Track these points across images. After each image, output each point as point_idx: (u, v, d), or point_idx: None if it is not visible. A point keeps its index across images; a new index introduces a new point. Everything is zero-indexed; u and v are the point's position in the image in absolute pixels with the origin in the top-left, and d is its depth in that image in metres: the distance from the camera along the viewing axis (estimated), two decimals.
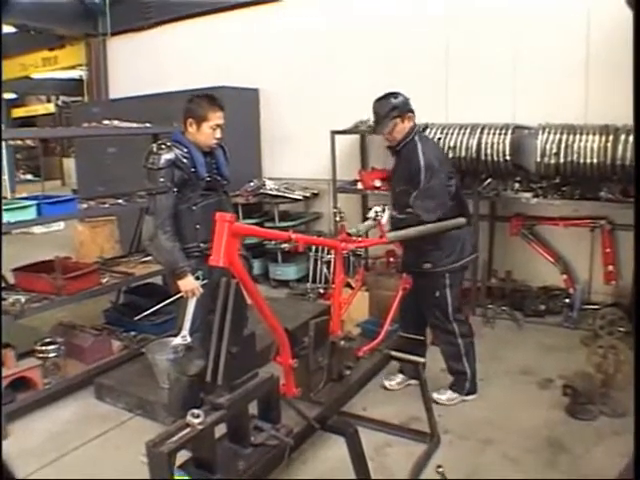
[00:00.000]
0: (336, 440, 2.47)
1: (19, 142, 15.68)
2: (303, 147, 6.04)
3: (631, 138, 3.94)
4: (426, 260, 3.23)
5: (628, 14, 1.94)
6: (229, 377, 1.95)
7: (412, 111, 3.19)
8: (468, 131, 4.57)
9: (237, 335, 2.01)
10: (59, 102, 16.17)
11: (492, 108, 4.80)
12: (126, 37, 7.60)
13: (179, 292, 2.87)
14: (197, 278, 2.84)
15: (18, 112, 17.02)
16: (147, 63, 7.18)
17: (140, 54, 7.38)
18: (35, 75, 11.21)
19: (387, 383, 3.56)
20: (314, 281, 5.66)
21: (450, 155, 4.43)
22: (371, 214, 3.19)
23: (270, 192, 5.78)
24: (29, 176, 16.68)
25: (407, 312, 3.44)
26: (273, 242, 5.52)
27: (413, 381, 3.33)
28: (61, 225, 8.75)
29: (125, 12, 7.47)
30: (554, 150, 4.23)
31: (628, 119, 2.98)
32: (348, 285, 3.78)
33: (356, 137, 5.70)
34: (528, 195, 4.59)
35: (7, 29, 7.85)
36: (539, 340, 4.29)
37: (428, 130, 4.64)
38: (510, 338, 4.41)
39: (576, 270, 4.85)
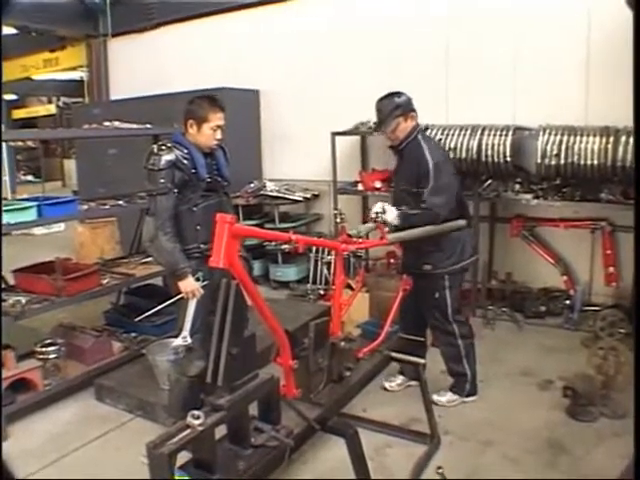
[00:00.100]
0: (336, 441, 2.46)
1: (20, 143, 15.71)
2: (304, 148, 6.04)
3: (631, 140, 3.94)
4: (426, 261, 3.23)
5: (628, 15, 1.94)
6: (229, 378, 1.95)
7: (414, 110, 3.22)
8: (469, 132, 4.57)
9: (237, 336, 2.01)
10: (60, 103, 16.20)
11: (493, 109, 4.81)
12: (127, 38, 7.61)
13: (179, 293, 2.87)
14: (197, 279, 2.84)
15: (19, 113, 17.07)
16: (148, 64, 7.19)
17: (141, 55, 7.39)
18: (36, 76, 11.23)
19: (387, 384, 3.56)
20: (314, 282, 5.66)
21: (450, 156, 4.43)
22: (377, 208, 3.07)
23: (270, 193, 5.78)
24: (30, 177, 16.71)
25: (407, 313, 3.44)
26: (273, 243, 5.52)
27: (413, 382, 3.32)
28: (61, 226, 8.75)
29: (126, 13, 7.48)
30: (555, 151, 4.23)
31: (629, 120, 2.97)
32: (348, 286, 3.79)
33: (357, 138, 5.70)
34: (529, 196, 4.59)
35: (8, 30, 7.85)
36: (539, 341, 4.28)
37: (429, 131, 4.63)
38: (510, 339, 4.41)
39: (576, 271, 4.84)
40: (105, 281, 3.96)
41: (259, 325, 2.37)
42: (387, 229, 3.09)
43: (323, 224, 6.08)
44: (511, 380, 3.69)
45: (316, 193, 5.92)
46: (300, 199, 5.81)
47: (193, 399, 2.23)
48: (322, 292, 5.48)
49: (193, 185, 2.94)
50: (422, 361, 2.90)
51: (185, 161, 2.90)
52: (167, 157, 2.87)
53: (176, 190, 2.89)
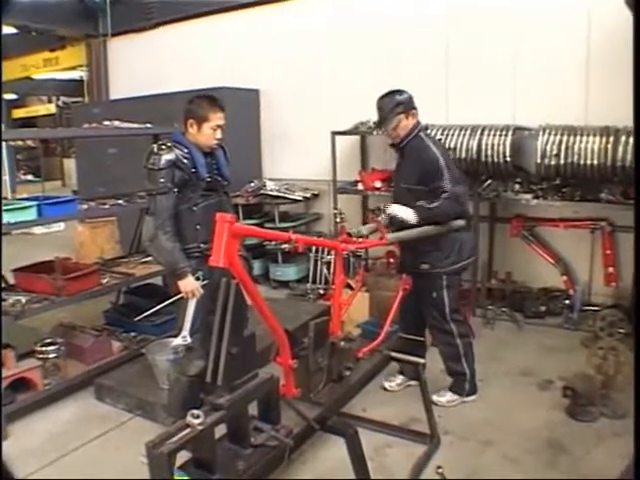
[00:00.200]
0: (336, 441, 2.47)
1: (20, 143, 15.69)
2: (303, 147, 6.04)
3: (631, 140, 3.95)
4: (423, 261, 3.23)
5: (628, 15, 1.94)
6: (229, 378, 1.95)
7: (416, 108, 3.23)
8: (468, 132, 4.57)
9: (237, 336, 2.01)
10: (60, 103, 16.19)
11: (492, 109, 4.81)
12: (127, 38, 7.61)
13: (179, 293, 2.87)
14: (197, 279, 2.84)
15: (19, 113, 17.07)
16: (148, 64, 7.19)
17: (140, 55, 7.39)
18: (36, 76, 11.24)
19: (387, 384, 3.55)
20: (314, 282, 5.66)
21: (450, 156, 4.43)
22: (392, 211, 3.10)
23: (270, 193, 5.78)
24: (29, 177, 16.69)
25: (407, 313, 3.45)
26: (273, 243, 5.52)
27: (413, 382, 3.32)
28: (61, 226, 8.75)
29: (126, 12, 7.48)
30: (554, 151, 4.23)
31: (629, 120, 2.97)
32: (348, 286, 3.79)
33: (356, 138, 5.70)
34: (528, 196, 4.59)
35: (8, 30, 7.85)
36: (539, 341, 4.28)
37: (428, 131, 4.62)
38: (510, 339, 4.41)
39: (576, 271, 4.84)
40: (105, 280, 3.96)
41: (259, 324, 2.37)
42: (410, 218, 3.09)
43: (323, 224, 6.08)
44: (511, 380, 3.69)
45: (316, 193, 5.92)
46: (300, 199, 5.81)
47: (193, 398, 2.23)
48: (322, 292, 5.48)
49: (193, 184, 2.94)
50: (422, 361, 2.90)
51: (185, 160, 2.90)
52: (167, 156, 2.87)
53: (176, 189, 2.89)
